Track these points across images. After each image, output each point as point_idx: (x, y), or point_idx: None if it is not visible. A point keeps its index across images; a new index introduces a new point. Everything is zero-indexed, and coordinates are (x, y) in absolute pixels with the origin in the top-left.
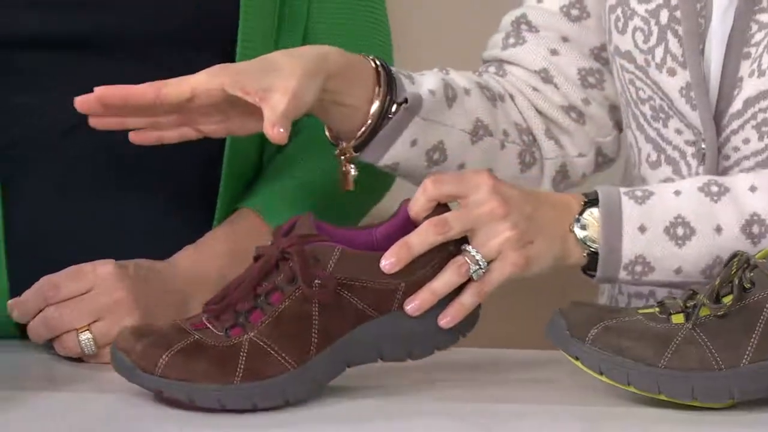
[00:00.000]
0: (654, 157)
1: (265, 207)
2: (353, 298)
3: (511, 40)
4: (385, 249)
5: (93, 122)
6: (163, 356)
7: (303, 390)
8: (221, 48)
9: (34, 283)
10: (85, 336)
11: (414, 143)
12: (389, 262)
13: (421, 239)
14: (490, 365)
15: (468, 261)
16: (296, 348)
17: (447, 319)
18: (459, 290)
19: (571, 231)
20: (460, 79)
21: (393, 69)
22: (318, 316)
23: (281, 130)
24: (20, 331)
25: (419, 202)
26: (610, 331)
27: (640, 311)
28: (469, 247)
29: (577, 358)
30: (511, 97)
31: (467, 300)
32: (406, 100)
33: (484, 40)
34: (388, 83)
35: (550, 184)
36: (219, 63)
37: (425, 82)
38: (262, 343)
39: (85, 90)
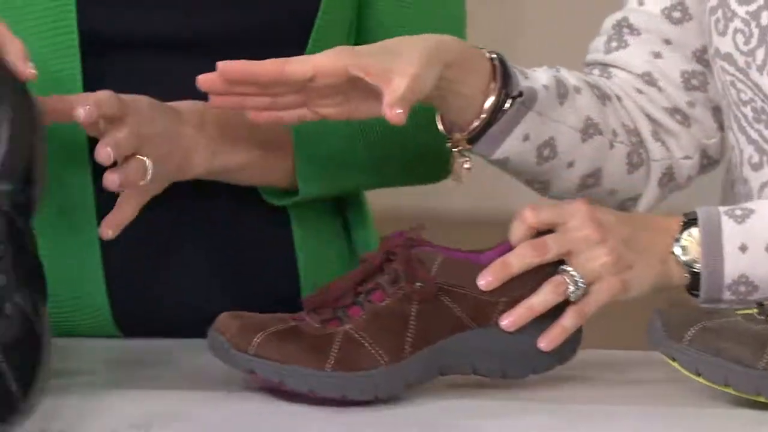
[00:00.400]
0: (756, 158)
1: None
2: (452, 305)
3: (614, 44)
4: None
5: (213, 102)
6: (258, 335)
7: (394, 387)
8: (296, 46)
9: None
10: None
11: (526, 138)
12: (486, 280)
13: (519, 259)
14: (586, 366)
15: (566, 280)
16: (391, 345)
17: (547, 341)
18: (557, 314)
19: (671, 253)
20: (570, 77)
21: (508, 62)
22: (416, 317)
23: (400, 111)
24: (121, 330)
25: (519, 229)
26: (707, 332)
27: (739, 312)
28: (568, 267)
29: (674, 359)
30: (618, 98)
31: (568, 322)
32: (521, 94)
33: (585, 43)
34: (504, 76)
35: (656, 186)
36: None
37: (539, 78)
38: (357, 335)
39: (180, 92)
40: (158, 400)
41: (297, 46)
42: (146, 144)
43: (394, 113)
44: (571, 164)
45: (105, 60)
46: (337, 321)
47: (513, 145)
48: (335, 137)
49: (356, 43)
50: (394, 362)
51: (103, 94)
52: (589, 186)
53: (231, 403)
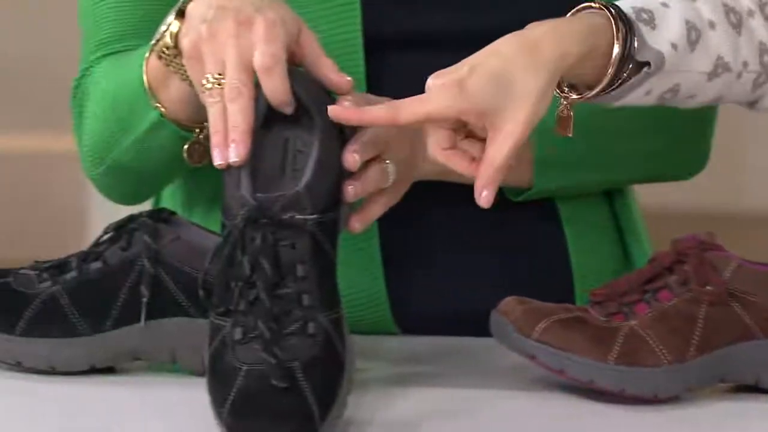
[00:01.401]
0: None
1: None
2: (742, 312)
3: None
4: None
5: None
6: (543, 321)
7: (675, 387)
8: None
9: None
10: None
11: (648, 93)
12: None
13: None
14: None
15: None
16: (675, 345)
17: None
18: None
19: None
20: (706, 8)
21: (632, 19)
22: (703, 320)
23: (485, 194)
24: (401, 328)
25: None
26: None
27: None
28: None
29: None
30: (751, 13)
31: None
32: (648, 64)
33: None
34: (626, 41)
35: None
36: None
37: (669, 31)
38: (642, 332)
39: None
40: (438, 397)
41: None
42: (389, 146)
43: (482, 197)
44: (691, 97)
45: (386, 58)
46: (623, 316)
47: (633, 99)
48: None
49: None
50: (677, 362)
51: (356, 97)
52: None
53: (513, 401)
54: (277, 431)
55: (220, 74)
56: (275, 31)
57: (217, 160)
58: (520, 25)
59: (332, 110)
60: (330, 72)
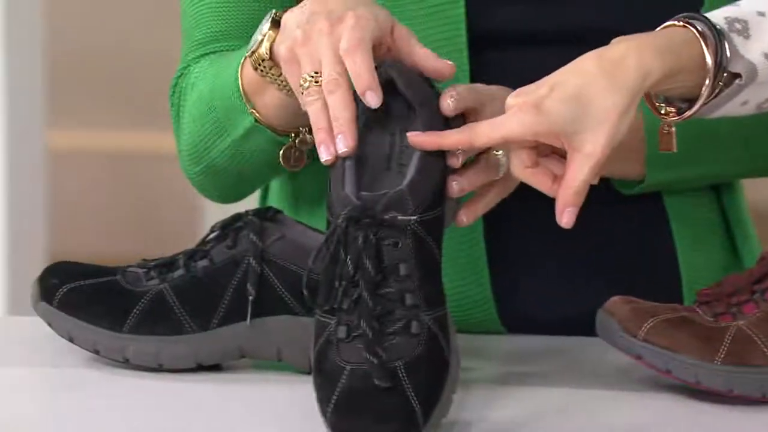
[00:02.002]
0: None
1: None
2: None
3: None
4: None
5: None
6: (649, 321)
7: None
8: None
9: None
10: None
11: (745, 103)
12: None
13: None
14: None
15: None
16: None
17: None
18: None
19: None
20: None
21: (724, 30)
22: None
23: (569, 212)
24: (506, 327)
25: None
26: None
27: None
28: None
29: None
30: None
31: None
32: (739, 75)
33: None
34: (717, 55)
35: None
36: None
37: (763, 40)
38: (750, 332)
39: None
40: (543, 397)
41: None
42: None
43: (563, 219)
44: None
45: (490, 55)
46: (730, 316)
47: (730, 110)
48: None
49: None
50: None
51: (463, 87)
52: None
53: (618, 401)
54: (380, 431)
55: (316, 72)
56: (363, 22)
57: (324, 156)
58: (624, 23)
59: (411, 136)
60: (428, 60)
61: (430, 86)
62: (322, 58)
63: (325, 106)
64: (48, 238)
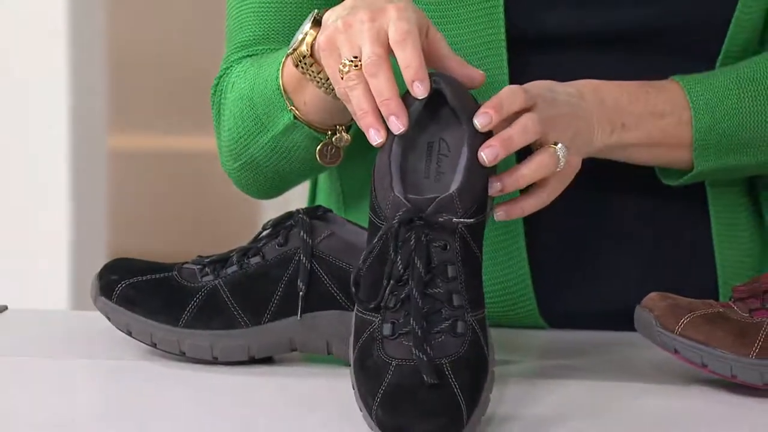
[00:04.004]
0: None
1: (688, 81)
2: None
3: None
4: None
5: None
6: (686, 317)
7: None
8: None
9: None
10: (561, 146)
11: None
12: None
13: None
14: None
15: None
16: None
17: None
18: None
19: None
20: None
21: None
22: None
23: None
24: (547, 322)
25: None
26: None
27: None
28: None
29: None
30: None
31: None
32: None
33: None
34: None
35: None
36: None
37: None
38: None
39: None
40: (580, 391)
41: (714, 41)
42: (552, 128)
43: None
44: None
45: (528, 57)
46: (765, 312)
47: None
48: (735, 101)
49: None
50: None
51: (505, 93)
52: None
53: (654, 395)
54: (427, 426)
55: (356, 57)
56: (406, 13)
57: (376, 140)
58: (664, 24)
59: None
60: (461, 66)
61: (472, 96)
62: (362, 43)
63: (367, 89)
64: (109, 236)
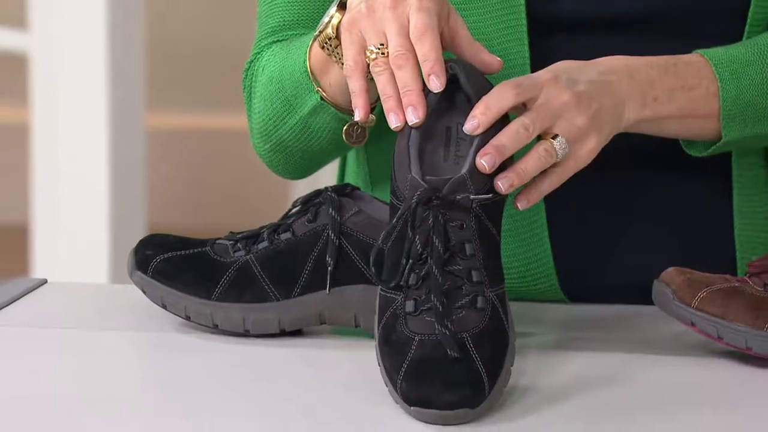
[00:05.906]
0: None
1: (713, 54)
2: None
3: None
4: None
5: None
6: (702, 291)
7: None
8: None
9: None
10: (560, 139)
11: None
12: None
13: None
14: None
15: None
16: None
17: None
18: None
19: None
20: None
21: None
22: None
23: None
24: (568, 296)
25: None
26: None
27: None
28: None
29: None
30: None
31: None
32: None
33: None
34: None
35: None
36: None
37: None
38: None
39: None
40: (599, 363)
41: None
42: (558, 116)
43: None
44: None
45: (550, 41)
46: None
47: None
48: (759, 72)
49: None
50: None
51: (493, 94)
52: None
53: (671, 366)
54: (451, 397)
55: (382, 44)
56: (426, 3)
57: (394, 123)
58: (684, 8)
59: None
60: (479, 52)
61: (488, 81)
62: (388, 33)
63: (392, 76)
64: (147, 212)
